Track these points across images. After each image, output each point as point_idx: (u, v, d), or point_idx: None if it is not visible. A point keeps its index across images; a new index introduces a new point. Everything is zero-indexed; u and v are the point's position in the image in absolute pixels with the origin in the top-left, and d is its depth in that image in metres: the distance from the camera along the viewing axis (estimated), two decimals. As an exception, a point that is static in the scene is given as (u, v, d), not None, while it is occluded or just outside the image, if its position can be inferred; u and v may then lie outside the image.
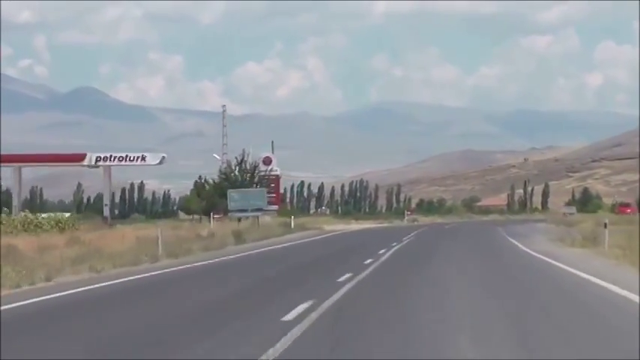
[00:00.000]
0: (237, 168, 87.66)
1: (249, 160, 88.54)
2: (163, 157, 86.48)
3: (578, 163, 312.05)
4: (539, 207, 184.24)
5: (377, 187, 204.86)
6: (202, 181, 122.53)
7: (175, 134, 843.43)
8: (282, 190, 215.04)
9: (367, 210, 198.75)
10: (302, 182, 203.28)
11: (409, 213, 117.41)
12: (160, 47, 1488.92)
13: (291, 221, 77.08)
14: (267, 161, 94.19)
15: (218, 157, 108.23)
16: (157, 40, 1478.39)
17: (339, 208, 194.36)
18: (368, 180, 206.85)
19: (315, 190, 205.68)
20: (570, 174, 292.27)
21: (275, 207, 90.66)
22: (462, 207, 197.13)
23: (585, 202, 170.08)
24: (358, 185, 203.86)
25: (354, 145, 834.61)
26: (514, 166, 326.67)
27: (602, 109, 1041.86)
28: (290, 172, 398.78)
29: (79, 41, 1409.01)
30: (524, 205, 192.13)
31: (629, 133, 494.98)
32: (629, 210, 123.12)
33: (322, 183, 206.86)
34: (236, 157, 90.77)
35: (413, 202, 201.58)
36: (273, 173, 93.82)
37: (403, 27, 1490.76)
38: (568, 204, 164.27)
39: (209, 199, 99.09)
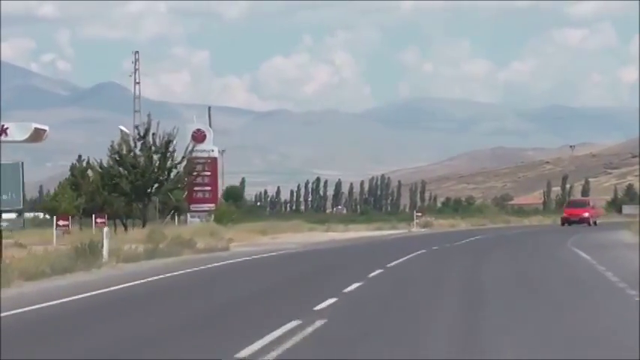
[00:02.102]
0: (140, 144, 58.41)
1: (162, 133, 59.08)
2: (39, 130, 59.25)
3: (617, 159, 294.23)
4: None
5: (399, 185, 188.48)
6: (84, 164, 77.43)
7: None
8: (277, 185, 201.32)
9: (389, 209, 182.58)
10: (318, 179, 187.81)
11: (419, 214, 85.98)
12: (185, 42, 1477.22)
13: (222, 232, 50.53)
14: (199, 137, 68.88)
15: (126, 129, 62.46)
16: (181, 35, 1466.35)
17: (358, 207, 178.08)
18: (390, 177, 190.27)
19: (338, 187, 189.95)
20: (609, 170, 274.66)
21: (209, 207, 66.86)
22: (492, 206, 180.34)
23: (630, 200, 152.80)
24: (379, 183, 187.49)
25: (382, 142, 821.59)
26: (548, 162, 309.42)
27: (637, 104, 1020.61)
28: (315, 170, 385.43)
29: (103, 36, 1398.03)
30: (562, 203, 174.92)
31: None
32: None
33: (339, 180, 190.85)
34: (136, 128, 62.39)
35: (439, 200, 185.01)
36: (204, 154, 67.94)
37: (433, 21, 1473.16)
38: (631, 202, 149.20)
39: (91, 194, 67.30)
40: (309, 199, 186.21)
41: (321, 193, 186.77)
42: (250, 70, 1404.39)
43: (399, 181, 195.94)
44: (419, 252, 36.33)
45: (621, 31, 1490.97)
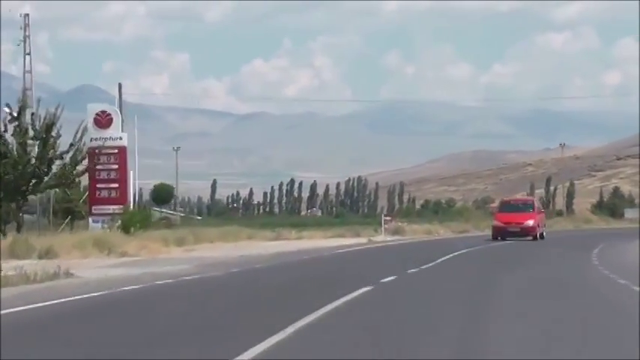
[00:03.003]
0: (12, 128, 45.58)
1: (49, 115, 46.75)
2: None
3: (601, 161, 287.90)
4: (564, 209, 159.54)
5: (377, 186, 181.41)
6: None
7: (179, 133, 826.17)
8: (257, 188, 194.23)
9: (366, 211, 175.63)
10: (292, 180, 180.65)
11: (388, 219, 70.77)
12: (165, 45, 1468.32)
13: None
14: (103, 121, 53.62)
15: (7, 109, 47.45)
16: (162, 38, 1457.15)
17: (334, 209, 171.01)
18: (367, 178, 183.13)
19: (314, 189, 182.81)
20: (593, 173, 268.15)
21: (114, 208, 50.88)
22: (474, 208, 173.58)
23: (616, 204, 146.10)
24: (356, 184, 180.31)
25: (364, 145, 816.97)
26: (530, 164, 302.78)
27: (620, 108, 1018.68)
28: (296, 172, 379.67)
29: (83, 39, 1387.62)
30: (546, 206, 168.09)
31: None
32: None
33: (315, 181, 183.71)
34: (7, 106, 46.39)
35: (418, 202, 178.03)
36: (111, 144, 52.69)
37: (417, 24, 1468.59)
38: (630, 205, 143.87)
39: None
40: (284, 201, 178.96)
41: (296, 194, 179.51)
42: (231, 72, 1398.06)
43: (377, 183, 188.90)
44: (350, 296, 19.49)
45: (603, 34, 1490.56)
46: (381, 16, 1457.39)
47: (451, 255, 36.85)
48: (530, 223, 55.98)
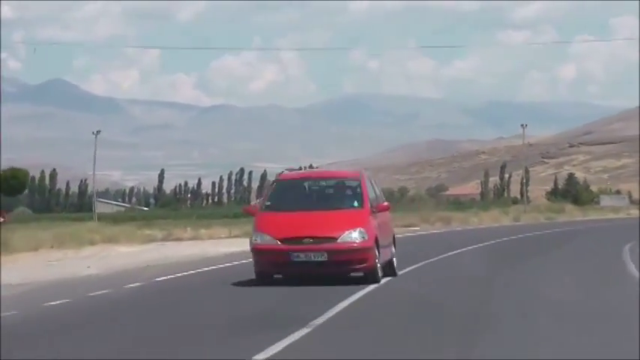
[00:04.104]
0: None
1: None
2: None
3: (554, 149, 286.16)
4: (518, 196, 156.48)
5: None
6: None
7: (143, 125, 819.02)
8: (216, 179, 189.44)
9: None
10: (242, 169, 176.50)
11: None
12: (137, 42, 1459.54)
13: None
14: None
15: None
16: (134, 37, 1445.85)
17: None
18: (318, 167, 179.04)
19: (264, 178, 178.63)
20: (546, 160, 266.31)
21: None
22: (427, 197, 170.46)
23: (571, 191, 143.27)
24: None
25: (324, 136, 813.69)
26: (484, 152, 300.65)
27: (573, 99, 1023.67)
28: (258, 164, 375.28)
29: (57, 37, 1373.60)
30: (500, 194, 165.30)
31: (600, 122, 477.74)
32: None
33: (265, 170, 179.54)
34: None
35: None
36: None
37: (383, 22, 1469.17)
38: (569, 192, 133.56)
39: None
40: (232, 190, 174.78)
41: (245, 184, 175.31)
42: (199, 68, 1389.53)
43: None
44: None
45: (562, 33, 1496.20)
46: (347, 13, 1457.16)
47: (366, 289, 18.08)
48: (355, 236, 19.53)
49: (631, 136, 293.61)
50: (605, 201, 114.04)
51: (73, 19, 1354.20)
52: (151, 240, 45.68)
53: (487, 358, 10.79)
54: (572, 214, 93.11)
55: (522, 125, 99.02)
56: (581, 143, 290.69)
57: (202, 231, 52.96)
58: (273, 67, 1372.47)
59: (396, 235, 23.14)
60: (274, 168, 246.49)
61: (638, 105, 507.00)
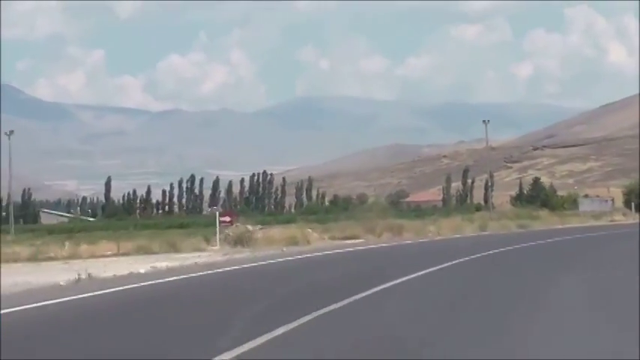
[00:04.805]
0: None
1: None
2: None
3: (517, 152, 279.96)
4: (482, 202, 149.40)
5: (284, 182, 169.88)
6: None
7: (95, 132, 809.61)
8: (166, 188, 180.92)
9: (273, 209, 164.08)
10: (192, 176, 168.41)
11: (226, 220, 44.25)
12: (80, 42, 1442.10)
13: None
14: None
15: None
16: (76, 34, 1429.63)
17: (237, 207, 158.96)
18: (273, 174, 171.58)
19: (216, 186, 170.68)
20: (509, 164, 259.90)
21: None
22: (386, 204, 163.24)
23: (538, 196, 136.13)
24: (261, 180, 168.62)
25: (279, 140, 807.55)
26: (445, 156, 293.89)
27: (532, 100, 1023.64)
28: (212, 170, 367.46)
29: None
30: (463, 200, 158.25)
31: (561, 124, 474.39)
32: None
33: (217, 177, 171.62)
34: None
35: (326, 198, 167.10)
36: None
37: (330, 18, 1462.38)
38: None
39: None
40: (184, 199, 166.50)
41: (197, 192, 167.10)
42: (146, 69, 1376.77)
43: (284, 178, 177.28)
44: None
45: (515, 25, 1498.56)
46: (294, 11, 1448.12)
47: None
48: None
49: (595, 139, 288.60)
50: (585, 205, 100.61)
51: (12, 16, 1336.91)
52: (15, 259, 36.89)
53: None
54: (548, 220, 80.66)
55: (484, 121, 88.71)
56: (545, 146, 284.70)
57: (84, 247, 42.90)
58: (222, 68, 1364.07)
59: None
60: (228, 175, 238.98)
61: (599, 106, 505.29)
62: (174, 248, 38.56)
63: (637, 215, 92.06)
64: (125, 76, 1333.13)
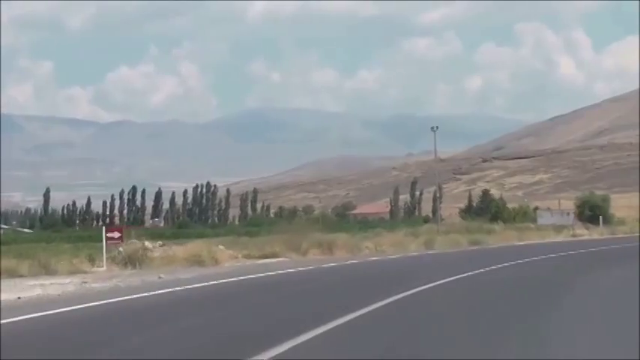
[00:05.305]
0: None
1: None
2: None
3: (466, 164, 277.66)
4: (430, 215, 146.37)
5: (228, 194, 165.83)
6: None
7: (42, 143, 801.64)
8: (107, 199, 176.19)
9: (216, 221, 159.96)
10: (134, 187, 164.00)
11: (115, 236, 34.44)
12: (29, 53, 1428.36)
13: None
14: None
15: None
16: (25, 46, 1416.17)
17: (180, 218, 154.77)
18: (216, 184, 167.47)
19: (158, 197, 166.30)
20: (458, 176, 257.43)
21: None
22: (332, 216, 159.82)
23: (488, 208, 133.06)
24: (204, 191, 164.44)
25: (229, 152, 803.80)
26: (394, 167, 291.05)
27: (481, 113, 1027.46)
28: (160, 182, 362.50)
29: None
30: (411, 212, 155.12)
31: (510, 136, 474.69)
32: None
33: (160, 188, 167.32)
34: None
35: (271, 210, 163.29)
36: None
37: (280, 31, 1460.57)
38: (485, 210, 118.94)
39: None
40: (125, 210, 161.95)
41: (139, 203, 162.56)
42: (95, 81, 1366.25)
43: (228, 190, 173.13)
44: None
45: (466, 39, 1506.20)
46: (245, 23, 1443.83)
47: None
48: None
49: (544, 151, 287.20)
50: (545, 219, 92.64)
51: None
52: None
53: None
54: (504, 235, 70.67)
55: (432, 128, 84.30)
56: (494, 158, 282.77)
57: None
58: (172, 80, 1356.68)
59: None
60: (176, 187, 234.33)
61: (548, 118, 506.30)
62: (47, 270, 31.30)
63: (603, 230, 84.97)
64: (74, 87, 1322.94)
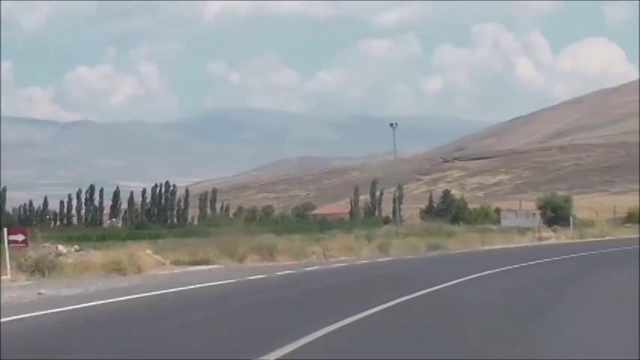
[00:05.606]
0: None
1: None
2: None
3: (428, 164, 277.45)
4: (391, 215, 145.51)
5: (187, 194, 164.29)
6: None
7: (3, 143, 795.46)
8: (64, 199, 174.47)
9: (175, 221, 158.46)
10: (92, 186, 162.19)
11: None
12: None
13: None
14: None
15: None
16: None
17: (138, 218, 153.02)
18: (175, 184, 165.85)
19: (117, 197, 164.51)
20: (419, 177, 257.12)
21: None
22: (292, 216, 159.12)
23: (449, 209, 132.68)
24: (163, 191, 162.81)
25: (190, 152, 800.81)
26: (354, 168, 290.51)
27: (441, 114, 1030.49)
28: (122, 182, 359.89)
29: None
30: (371, 212, 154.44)
31: (471, 137, 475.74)
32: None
33: (118, 188, 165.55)
34: None
35: (231, 211, 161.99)
36: None
37: (239, 31, 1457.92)
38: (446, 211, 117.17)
39: None
40: (83, 210, 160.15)
41: (97, 203, 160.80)
42: (54, 81, 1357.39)
43: (187, 189, 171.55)
44: None
45: (424, 40, 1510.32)
46: (202, 23, 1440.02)
47: None
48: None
49: (504, 151, 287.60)
50: (509, 220, 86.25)
51: None
52: None
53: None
54: (466, 239, 63.62)
55: (392, 125, 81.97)
56: (455, 158, 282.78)
57: None
58: (131, 79, 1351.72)
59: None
60: (136, 187, 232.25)
61: (508, 120, 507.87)
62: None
63: (574, 233, 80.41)
64: (34, 87, 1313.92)
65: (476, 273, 28.39)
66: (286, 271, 31.93)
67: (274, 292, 23.07)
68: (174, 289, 23.63)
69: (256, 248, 40.33)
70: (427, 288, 22.18)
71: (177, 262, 36.35)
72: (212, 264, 36.83)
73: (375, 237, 58.88)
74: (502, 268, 31.48)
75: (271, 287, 24.60)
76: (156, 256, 35.73)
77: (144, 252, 35.21)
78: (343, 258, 43.48)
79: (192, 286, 24.61)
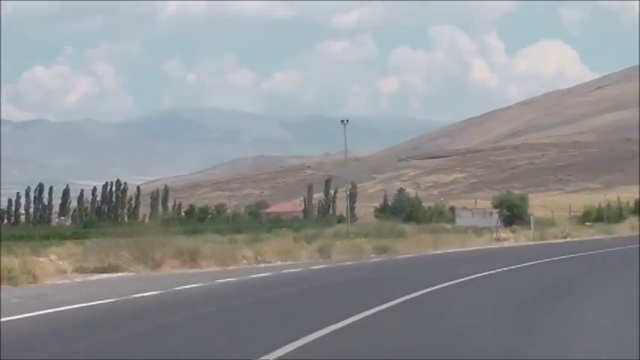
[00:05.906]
0: None
1: None
2: None
3: (382, 163, 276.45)
4: (344, 214, 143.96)
5: (139, 192, 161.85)
6: None
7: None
8: (14, 197, 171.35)
9: (126, 219, 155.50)
10: (41, 185, 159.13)
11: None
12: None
13: None
14: None
15: None
16: None
17: (88, 216, 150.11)
18: (126, 182, 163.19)
19: (66, 195, 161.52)
20: (374, 175, 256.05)
21: None
22: (245, 215, 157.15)
23: (402, 208, 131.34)
24: (114, 189, 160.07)
25: (144, 151, 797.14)
26: (309, 166, 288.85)
27: (397, 114, 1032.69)
28: (77, 180, 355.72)
29: None
30: (325, 211, 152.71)
31: (425, 137, 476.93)
32: None
33: (67, 186, 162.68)
34: None
35: (182, 209, 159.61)
36: None
37: (196, 31, 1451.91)
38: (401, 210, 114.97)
39: None
40: (31, 209, 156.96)
41: (46, 201, 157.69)
42: (9, 80, 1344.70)
43: (138, 187, 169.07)
44: None
45: (381, 42, 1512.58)
46: (159, 23, 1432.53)
47: None
48: None
49: (459, 151, 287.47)
50: (465, 219, 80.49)
51: None
52: None
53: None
54: (417, 240, 57.30)
55: (342, 122, 79.76)
56: (410, 157, 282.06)
57: None
58: (86, 79, 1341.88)
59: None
60: (88, 185, 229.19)
61: (462, 120, 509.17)
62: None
63: (535, 234, 75.79)
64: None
65: (416, 291, 20.69)
66: (192, 285, 24.86)
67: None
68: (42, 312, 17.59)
69: (177, 252, 34.85)
70: (315, 330, 13.67)
71: (81, 269, 31.30)
72: (122, 271, 31.71)
73: (322, 237, 55.09)
74: (451, 282, 23.85)
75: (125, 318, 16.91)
76: (60, 262, 31.11)
77: (47, 258, 30.82)
78: (279, 263, 38.36)
79: (68, 307, 18.45)
